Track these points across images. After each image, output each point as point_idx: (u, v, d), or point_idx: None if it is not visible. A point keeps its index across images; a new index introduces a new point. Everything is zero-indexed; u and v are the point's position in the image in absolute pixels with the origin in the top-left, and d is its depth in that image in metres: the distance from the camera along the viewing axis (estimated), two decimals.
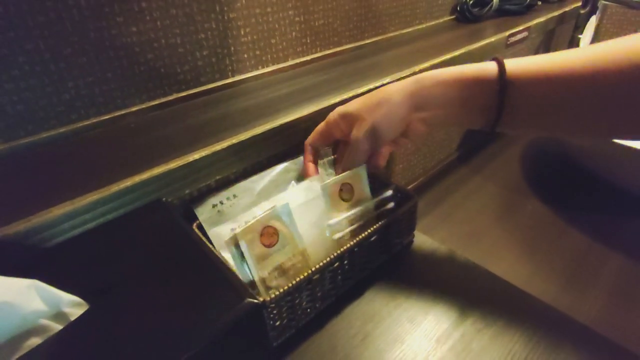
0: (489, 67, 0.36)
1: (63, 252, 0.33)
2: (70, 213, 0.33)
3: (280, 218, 0.36)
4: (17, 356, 0.24)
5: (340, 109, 0.42)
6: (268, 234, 0.35)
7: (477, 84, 0.37)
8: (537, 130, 0.39)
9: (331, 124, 0.43)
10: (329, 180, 0.40)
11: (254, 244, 0.34)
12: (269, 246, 0.35)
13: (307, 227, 0.39)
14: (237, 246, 0.34)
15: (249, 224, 0.34)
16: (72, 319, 0.27)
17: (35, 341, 0.25)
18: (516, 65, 0.35)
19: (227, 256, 0.35)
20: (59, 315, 0.26)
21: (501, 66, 0.35)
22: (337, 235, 0.40)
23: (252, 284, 0.35)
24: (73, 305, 0.27)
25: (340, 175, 0.41)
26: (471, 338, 0.37)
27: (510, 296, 0.41)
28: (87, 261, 0.32)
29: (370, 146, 0.40)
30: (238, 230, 0.34)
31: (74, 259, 0.32)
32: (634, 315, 0.45)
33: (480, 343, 0.36)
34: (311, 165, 0.45)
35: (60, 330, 0.26)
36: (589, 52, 0.33)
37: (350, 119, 0.41)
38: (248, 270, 0.34)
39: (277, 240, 0.36)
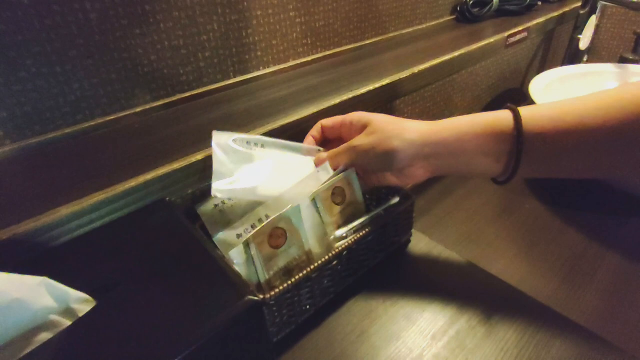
0: (504, 117, 0.36)
1: (71, 251, 0.34)
2: (77, 213, 0.35)
3: (290, 220, 0.36)
4: (28, 351, 0.25)
5: (365, 118, 0.42)
6: (276, 236, 0.36)
7: (492, 135, 0.37)
8: (549, 175, 0.40)
9: (347, 122, 0.44)
10: (319, 188, 0.40)
11: (263, 246, 0.35)
12: (276, 247, 0.36)
13: (309, 227, 0.39)
14: (248, 249, 0.34)
15: (260, 227, 0.35)
16: (81, 315, 0.28)
17: (45, 336, 0.26)
18: (530, 114, 0.36)
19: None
20: (68, 312, 0.28)
21: (517, 117, 0.36)
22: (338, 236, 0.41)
23: (259, 285, 0.36)
24: (81, 302, 0.28)
25: (331, 180, 0.41)
26: (465, 335, 0.38)
27: (504, 295, 0.42)
28: (93, 259, 0.33)
29: (359, 161, 0.41)
30: (249, 235, 0.34)
31: (82, 257, 0.33)
32: (627, 314, 0.46)
33: (474, 340, 0.37)
34: (310, 139, 0.46)
35: (70, 326, 0.27)
36: (597, 98, 0.35)
37: (365, 128, 0.41)
38: (255, 271, 0.35)
39: (285, 242, 0.36)
